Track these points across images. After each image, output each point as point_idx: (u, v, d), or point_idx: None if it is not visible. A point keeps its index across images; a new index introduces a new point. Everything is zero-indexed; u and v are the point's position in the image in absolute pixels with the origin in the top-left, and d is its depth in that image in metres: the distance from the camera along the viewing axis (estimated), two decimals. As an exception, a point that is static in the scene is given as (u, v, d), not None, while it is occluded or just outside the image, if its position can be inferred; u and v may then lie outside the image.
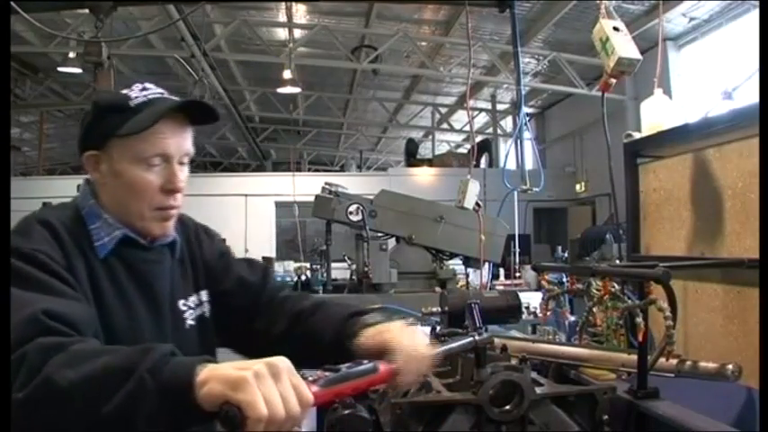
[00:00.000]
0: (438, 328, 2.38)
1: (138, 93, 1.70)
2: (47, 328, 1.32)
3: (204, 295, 1.93)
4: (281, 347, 1.86)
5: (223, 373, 1.17)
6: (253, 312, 1.96)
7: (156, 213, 1.72)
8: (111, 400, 1.18)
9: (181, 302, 1.85)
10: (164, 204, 1.72)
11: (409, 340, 1.57)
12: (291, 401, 1.16)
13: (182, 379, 1.18)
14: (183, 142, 1.73)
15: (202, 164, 25.71)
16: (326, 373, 1.30)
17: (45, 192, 15.36)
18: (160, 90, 1.75)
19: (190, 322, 1.86)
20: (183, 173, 1.74)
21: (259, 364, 1.17)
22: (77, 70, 12.60)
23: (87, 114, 1.75)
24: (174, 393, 1.17)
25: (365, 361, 1.41)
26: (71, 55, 12.44)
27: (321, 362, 1.38)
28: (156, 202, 1.70)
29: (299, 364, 1.33)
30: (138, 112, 1.66)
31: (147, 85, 1.75)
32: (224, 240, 2.15)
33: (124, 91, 1.72)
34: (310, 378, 1.26)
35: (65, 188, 14.59)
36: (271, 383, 1.16)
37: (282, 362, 1.20)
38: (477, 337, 1.74)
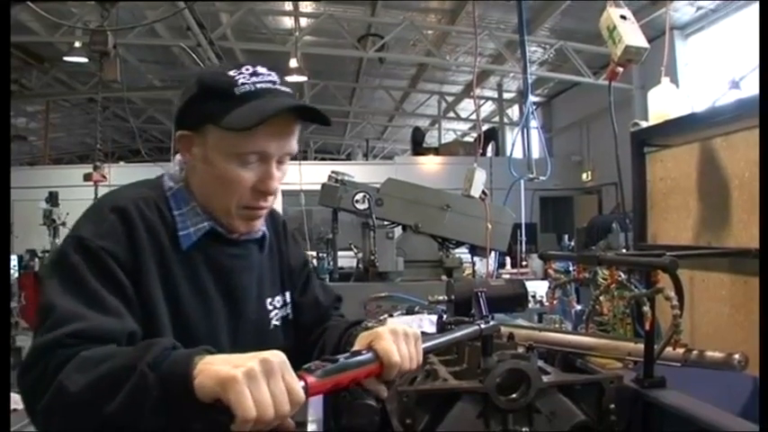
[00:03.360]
0: (444, 316, 2.38)
1: (246, 78, 1.55)
2: (72, 345, 1.31)
3: (288, 296, 1.85)
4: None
5: (215, 370, 1.14)
6: (312, 333, 1.88)
7: (243, 212, 1.62)
8: (116, 399, 1.18)
9: (268, 301, 1.78)
10: (252, 204, 1.61)
11: (394, 343, 1.44)
12: (282, 402, 1.14)
13: (180, 370, 1.17)
14: (285, 143, 1.59)
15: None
16: (324, 363, 1.27)
17: (51, 181, 15.44)
18: (272, 78, 1.59)
19: (275, 323, 1.78)
20: (280, 172, 1.61)
21: (253, 361, 1.13)
22: (83, 60, 12.59)
23: (189, 89, 1.60)
24: (173, 385, 1.16)
25: (364, 351, 1.40)
26: (77, 44, 12.42)
27: None
28: (245, 200, 1.59)
29: None
30: (241, 101, 1.52)
31: (259, 69, 1.59)
32: None
33: (232, 72, 1.56)
34: (309, 367, 1.25)
35: (71, 177, 14.70)
36: (262, 384, 1.12)
37: (276, 356, 1.16)
38: (483, 326, 1.74)
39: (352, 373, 1.31)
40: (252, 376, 1.12)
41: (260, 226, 1.72)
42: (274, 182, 1.60)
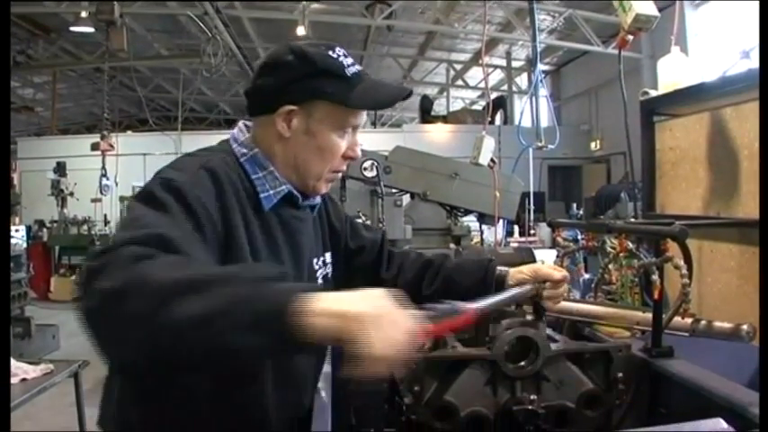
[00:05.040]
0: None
1: (345, 60, 1.70)
2: (154, 246, 1.27)
3: (328, 257, 1.98)
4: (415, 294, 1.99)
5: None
6: (377, 266, 2.10)
7: (330, 175, 1.79)
8: (201, 302, 1.13)
9: (314, 261, 1.90)
10: (339, 168, 1.79)
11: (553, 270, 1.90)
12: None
13: (291, 296, 1.15)
14: None
15: (216, 121, 25.72)
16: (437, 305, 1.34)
17: (59, 151, 15.46)
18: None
19: (320, 281, 1.90)
20: None
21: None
22: (90, 29, 12.53)
23: (286, 66, 1.69)
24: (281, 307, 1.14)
25: (446, 301, 1.40)
26: (83, 14, 12.33)
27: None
28: (336, 165, 1.77)
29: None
30: (354, 82, 1.68)
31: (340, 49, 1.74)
32: None
33: (331, 53, 1.69)
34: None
35: (78, 147, 14.71)
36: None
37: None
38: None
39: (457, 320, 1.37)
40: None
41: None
42: (359, 149, 1.81)
